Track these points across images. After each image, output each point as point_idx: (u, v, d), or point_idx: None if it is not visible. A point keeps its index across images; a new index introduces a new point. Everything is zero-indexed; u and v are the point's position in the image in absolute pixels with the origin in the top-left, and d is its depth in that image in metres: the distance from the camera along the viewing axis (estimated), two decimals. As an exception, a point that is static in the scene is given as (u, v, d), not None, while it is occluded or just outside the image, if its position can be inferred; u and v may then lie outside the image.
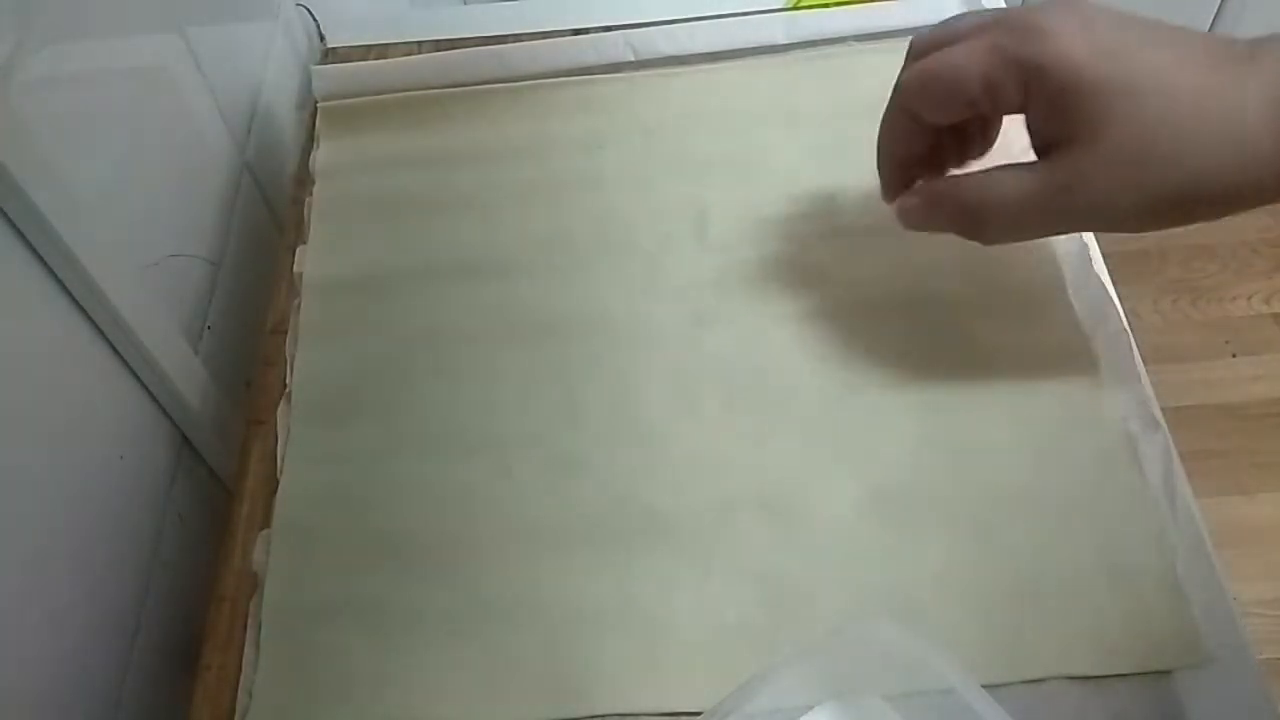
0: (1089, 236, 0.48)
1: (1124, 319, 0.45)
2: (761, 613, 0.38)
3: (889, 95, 0.42)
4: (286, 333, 0.48)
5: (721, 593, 0.39)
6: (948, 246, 0.47)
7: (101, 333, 0.41)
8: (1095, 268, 0.47)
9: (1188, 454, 0.41)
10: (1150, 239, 1.33)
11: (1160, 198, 0.35)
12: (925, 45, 0.40)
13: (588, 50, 0.58)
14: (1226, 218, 0.35)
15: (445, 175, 0.54)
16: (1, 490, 0.35)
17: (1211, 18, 1.22)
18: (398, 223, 0.52)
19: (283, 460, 0.44)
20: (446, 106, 0.57)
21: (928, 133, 0.41)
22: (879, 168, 0.43)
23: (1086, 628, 0.37)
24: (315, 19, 0.63)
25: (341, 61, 0.60)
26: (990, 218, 0.38)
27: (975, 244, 0.47)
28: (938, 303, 0.46)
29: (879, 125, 0.42)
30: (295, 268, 0.51)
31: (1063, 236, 0.48)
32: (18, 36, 0.37)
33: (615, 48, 0.57)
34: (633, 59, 0.57)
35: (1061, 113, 0.35)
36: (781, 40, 0.57)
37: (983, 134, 0.43)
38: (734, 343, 0.46)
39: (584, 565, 0.40)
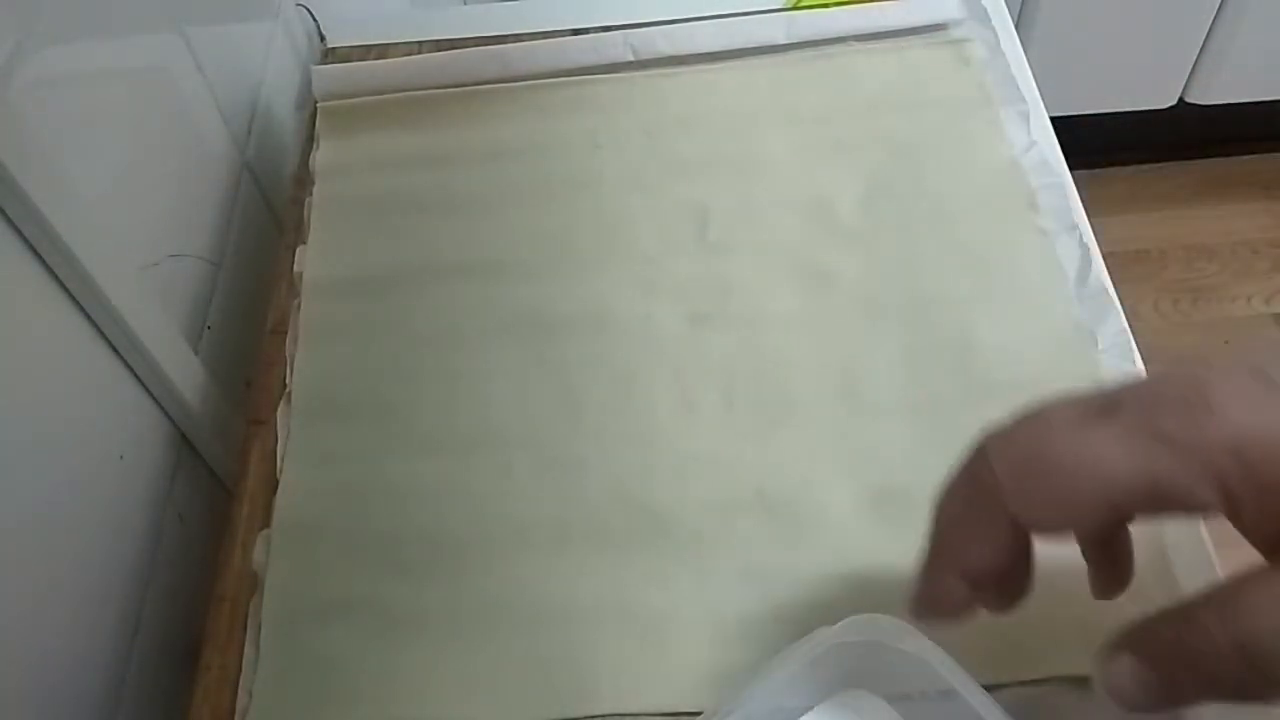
0: (1088, 236, 0.48)
1: (1124, 319, 0.45)
2: (761, 612, 0.38)
3: (888, 95, 0.39)
4: (286, 333, 0.48)
5: (721, 593, 0.39)
6: (948, 246, 0.48)
7: (101, 333, 0.41)
8: (1096, 268, 0.47)
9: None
10: (1150, 239, 1.33)
11: None
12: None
13: (588, 50, 0.58)
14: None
15: (445, 175, 0.54)
16: (1, 490, 0.35)
17: (1211, 18, 1.22)
18: (398, 223, 0.52)
19: (283, 460, 0.44)
20: (446, 106, 0.57)
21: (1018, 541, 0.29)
22: (931, 567, 0.31)
23: (1086, 628, 0.37)
24: (315, 19, 0.63)
25: (341, 61, 0.60)
26: (1273, 651, 0.24)
27: (977, 243, 0.48)
28: (938, 303, 0.46)
29: (940, 504, 0.30)
30: (295, 268, 0.51)
31: (1062, 238, 0.48)
32: (18, 36, 0.37)
33: (615, 48, 0.57)
34: (633, 59, 0.57)
35: None
36: (781, 40, 0.57)
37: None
38: (734, 343, 0.46)
39: (584, 565, 0.40)
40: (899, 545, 0.39)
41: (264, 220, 0.60)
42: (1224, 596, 0.25)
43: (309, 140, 0.57)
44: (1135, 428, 0.25)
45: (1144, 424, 0.25)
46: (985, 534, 0.28)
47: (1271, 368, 0.26)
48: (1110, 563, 0.31)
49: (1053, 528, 0.28)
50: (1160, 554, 0.38)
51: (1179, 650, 0.25)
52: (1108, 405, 0.26)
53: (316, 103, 0.57)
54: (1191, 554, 0.38)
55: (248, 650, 0.39)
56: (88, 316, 0.40)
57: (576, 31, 0.59)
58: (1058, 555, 0.38)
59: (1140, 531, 0.39)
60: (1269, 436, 0.24)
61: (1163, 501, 0.25)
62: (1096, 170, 1.40)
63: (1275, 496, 0.24)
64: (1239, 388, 0.25)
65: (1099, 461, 0.25)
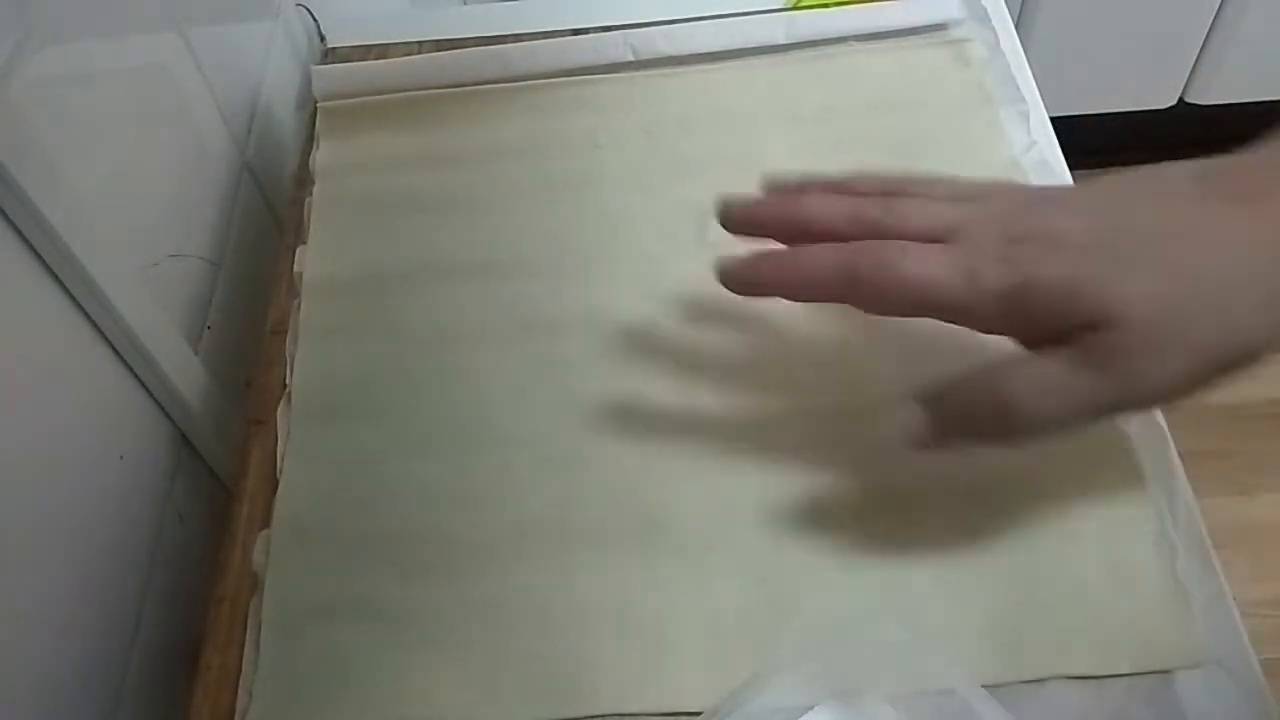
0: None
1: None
2: (761, 613, 0.38)
3: (888, 95, 0.41)
4: (286, 333, 0.48)
5: (721, 593, 0.39)
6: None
7: (101, 333, 0.41)
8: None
9: (1188, 454, 0.41)
10: (1150, 239, 1.33)
11: (1192, 374, 0.31)
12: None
13: (588, 50, 0.58)
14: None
15: (445, 175, 0.54)
16: (1, 490, 0.35)
17: (1211, 18, 1.22)
18: (398, 223, 0.52)
19: (283, 460, 0.44)
20: (447, 106, 0.57)
21: None
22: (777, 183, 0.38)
23: (1086, 628, 0.37)
24: (315, 19, 0.63)
25: (341, 61, 0.60)
26: (1031, 413, 0.32)
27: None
28: (938, 303, 0.46)
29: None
30: (295, 268, 0.51)
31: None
32: (18, 36, 0.37)
33: (615, 48, 0.57)
34: (633, 59, 0.57)
35: (1073, 330, 0.32)
36: (781, 40, 0.57)
37: None
38: (734, 343, 0.46)
39: (584, 565, 0.40)
40: (899, 546, 0.39)
41: (264, 220, 0.60)
42: (993, 369, 0.33)
43: (309, 140, 0.57)
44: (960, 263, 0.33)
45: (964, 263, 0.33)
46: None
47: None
48: None
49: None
50: (1160, 552, 0.38)
51: (957, 405, 0.34)
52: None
53: (316, 103, 0.57)
54: (1191, 552, 0.38)
55: (248, 650, 0.39)
56: (88, 316, 0.40)
57: (576, 31, 0.59)
58: (1057, 555, 0.39)
59: (1140, 531, 0.39)
60: (1055, 295, 0.32)
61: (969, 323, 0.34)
62: (1096, 170, 1.40)
63: (1041, 321, 0.32)
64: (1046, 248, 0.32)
65: (929, 284, 0.34)
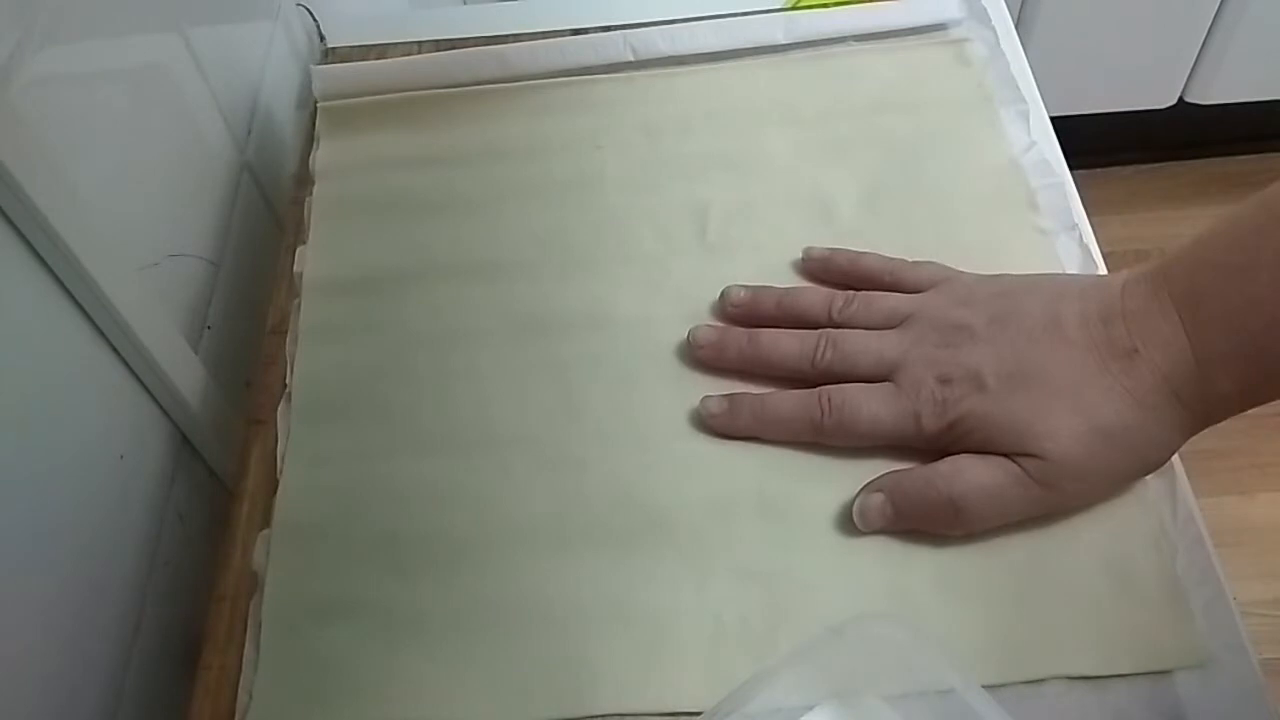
0: (1088, 236, 0.48)
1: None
2: (761, 613, 0.38)
3: (888, 95, 0.42)
4: (286, 333, 0.48)
5: (721, 593, 0.39)
6: (948, 246, 0.48)
7: (101, 333, 0.41)
8: (1096, 268, 0.47)
9: (1188, 454, 0.41)
10: (1150, 239, 1.33)
11: (1118, 482, 0.39)
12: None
13: (588, 50, 0.58)
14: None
15: (445, 175, 0.54)
16: (1, 490, 0.35)
17: (1211, 18, 1.22)
18: (398, 223, 0.52)
19: (283, 460, 0.44)
20: (446, 106, 0.57)
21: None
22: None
23: (1086, 628, 0.37)
24: (315, 19, 0.63)
25: (341, 61, 0.60)
26: (975, 511, 0.38)
27: (978, 243, 0.48)
28: (938, 303, 0.46)
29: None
30: (295, 268, 0.51)
31: (1062, 238, 0.48)
32: (18, 36, 0.37)
33: (615, 48, 0.57)
34: (633, 59, 0.57)
35: (999, 445, 0.38)
36: (781, 40, 0.57)
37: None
38: (734, 343, 0.46)
39: (583, 565, 0.40)
40: (899, 545, 0.39)
41: (264, 220, 0.60)
42: (945, 473, 0.39)
43: (309, 140, 0.57)
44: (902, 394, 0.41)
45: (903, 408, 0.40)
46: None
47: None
48: None
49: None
50: (1160, 552, 0.38)
51: (913, 497, 0.39)
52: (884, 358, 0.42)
53: (316, 103, 0.57)
54: (1191, 552, 0.38)
55: (248, 650, 0.39)
56: (88, 316, 0.40)
57: (576, 31, 0.59)
58: (1057, 555, 0.39)
59: (1140, 531, 0.39)
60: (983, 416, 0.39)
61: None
62: (1096, 170, 1.40)
63: (976, 446, 0.39)
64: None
65: (874, 421, 0.41)
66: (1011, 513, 0.38)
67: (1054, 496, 0.38)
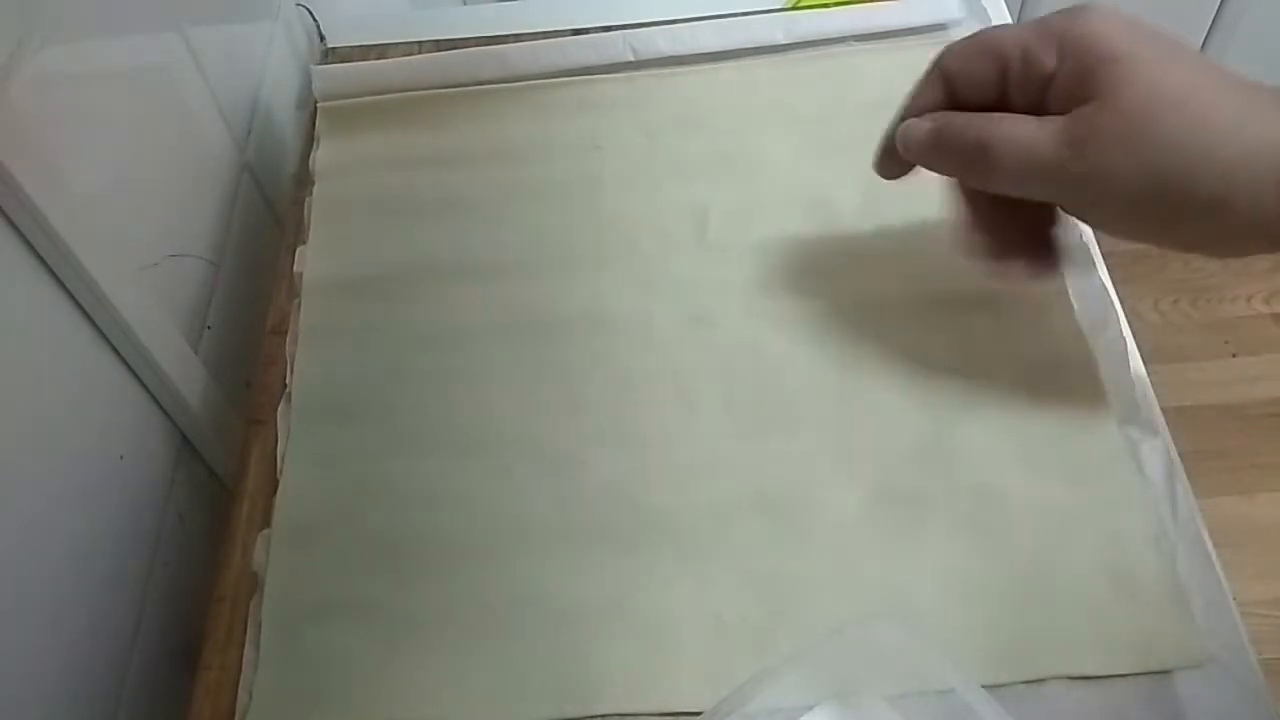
0: (1089, 236, 0.48)
1: (1124, 320, 0.45)
2: (761, 613, 0.38)
3: (888, 95, 0.42)
4: (286, 333, 0.48)
5: (721, 593, 0.39)
6: (948, 246, 0.48)
7: (101, 333, 0.41)
8: (1096, 268, 0.47)
9: (1188, 454, 0.41)
10: (1150, 239, 1.33)
11: (1153, 177, 0.34)
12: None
13: (588, 50, 0.58)
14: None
15: (445, 175, 0.54)
16: (1, 490, 0.35)
17: (1211, 17, 1.22)
18: (398, 223, 0.52)
19: (283, 460, 0.44)
20: (446, 106, 0.57)
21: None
22: (891, 127, 0.42)
23: (1086, 628, 0.37)
24: (315, 19, 0.63)
25: (341, 61, 0.60)
26: (1000, 159, 0.37)
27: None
28: (938, 303, 0.46)
29: (908, 97, 0.41)
30: (295, 268, 0.51)
31: (1060, 236, 0.48)
32: (19, 36, 0.37)
33: (615, 48, 0.57)
34: (633, 59, 0.57)
35: (1088, 73, 0.35)
36: (781, 40, 0.57)
37: None
38: (734, 343, 0.46)
39: (584, 565, 0.40)
40: (899, 545, 0.39)
41: (264, 220, 0.60)
42: (988, 116, 0.37)
43: (309, 140, 0.57)
44: (1026, 24, 0.38)
45: (1031, 22, 0.38)
46: (927, 100, 0.41)
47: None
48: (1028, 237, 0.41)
49: (971, 84, 0.39)
50: (1160, 552, 0.38)
51: (955, 131, 0.38)
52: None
53: (317, 103, 0.57)
54: (1191, 552, 0.38)
55: (248, 650, 0.39)
56: (88, 316, 0.40)
57: (576, 31, 0.59)
58: (1057, 555, 0.39)
59: (1140, 531, 0.39)
60: (1102, 29, 0.35)
61: (1025, 59, 0.37)
62: (1096, 170, 1.40)
63: (1085, 69, 0.35)
64: (1107, 12, 0.36)
65: (997, 34, 0.38)
66: (1034, 175, 0.37)
67: (1080, 167, 0.35)
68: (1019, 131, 0.36)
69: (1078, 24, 0.36)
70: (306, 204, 0.53)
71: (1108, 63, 0.35)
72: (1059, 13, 0.37)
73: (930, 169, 0.40)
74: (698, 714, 0.34)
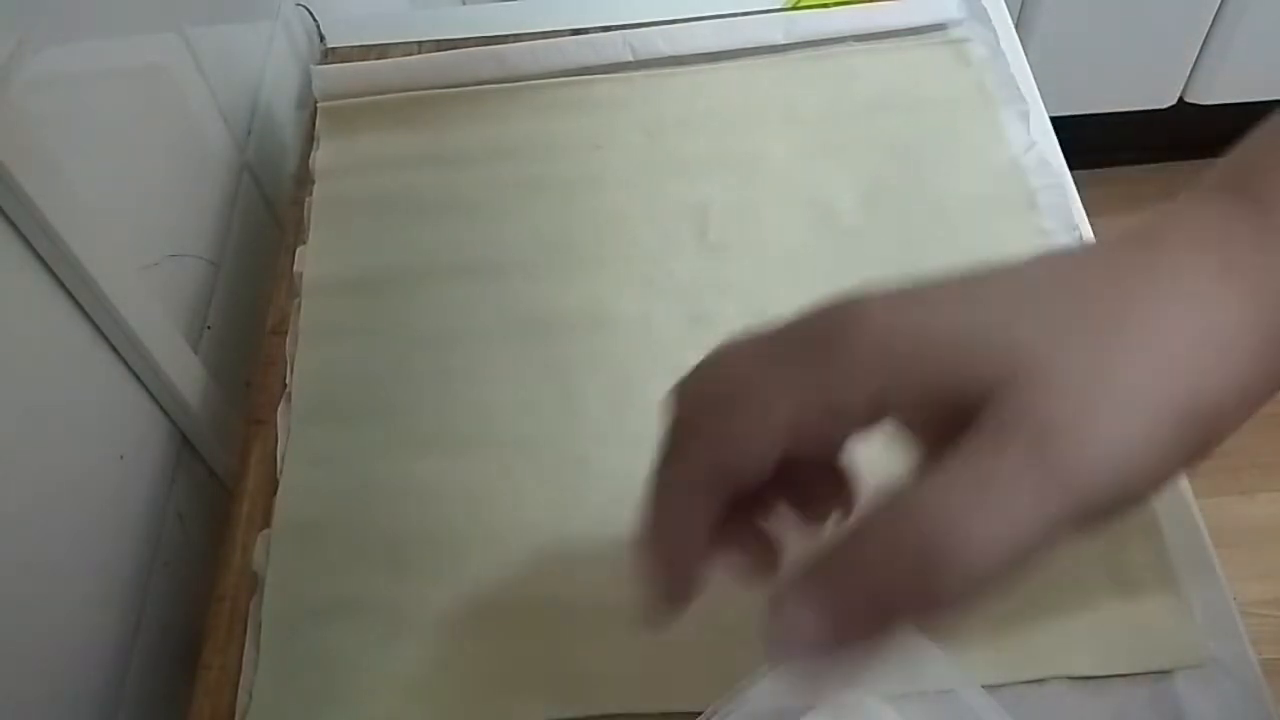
0: (1089, 236, 0.48)
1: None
2: (761, 613, 0.38)
3: (888, 95, 0.40)
4: (286, 333, 0.48)
5: (721, 593, 0.39)
6: (948, 246, 0.48)
7: (101, 333, 0.41)
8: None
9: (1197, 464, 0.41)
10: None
11: (1171, 409, 0.23)
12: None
13: (587, 50, 0.58)
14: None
15: (445, 175, 0.54)
16: (1, 490, 0.35)
17: (1211, 18, 1.22)
18: (398, 223, 0.52)
19: (283, 460, 0.44)
20: (446, 106, 0.57)
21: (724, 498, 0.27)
22: (647, 556, 0.28)
23: (1086, 628, 0.37)
24: (315, 19, 0.63)
25: (341, 61, 0.60)
26: (957, 549, 0.22)
27: (977, 244, 0.48)
28: (938, 303, 0.46)
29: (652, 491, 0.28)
30: (295, 268, 0.51)
31: (1063, 238, 0.48)
32: (18, 36, 0.37)
33: (615, 48, 0.57)
34: (632, 59, 0.57)
35: (954, 374, 0.24)
36: (781, 40, 0.57)
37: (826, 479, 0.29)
38: (734, 343, 0.46)
39: (583, 565, 0.40)
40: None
41: (264, 220, 0.60)
42: (892, 503, 0.23)
43: (309, 140, 0.57)
44: (791, 359, 0.26)
45: (799, 353, 0.26)
46: (698, 503, 0.27)
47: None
48: (816, 496, 0.29)
49: (739, 462, 0.26)
50: (1160, 552, 0.38)
51: (855, 573, 0.23)
52: (775, 339, 0.27)
53: (316, 103, 0.57)
54: (1191, 552, 0.38)
55: (248, 650, 0.39)
56: (88, 316, 0.40)
57: (576, 31, 0.59)
58: (1057, 555, 0.38)
59: (1140, 531, 0.39)
60: (913, 331, 0.25)
61: (830, 419, 0.25)
62: (1096, 170, 1.40)
63: (927, 389, 0.24)
64: (882, 298, 0.26)
65: (766, 394, 0.25)
66: (1024, 534, 0.23)
67: (1069, 469, 0.23)
68: (957, 487, 0.22)
69: (877, 347, 0.25)
70: (306, 204, 0.53)
71: (993, 397, 0.23)
72: (828, 326, 0.26)
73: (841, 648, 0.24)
74: (697, 714, 0.34)
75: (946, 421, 0.23)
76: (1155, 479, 0.24)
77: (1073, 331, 0.23)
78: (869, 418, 0.25)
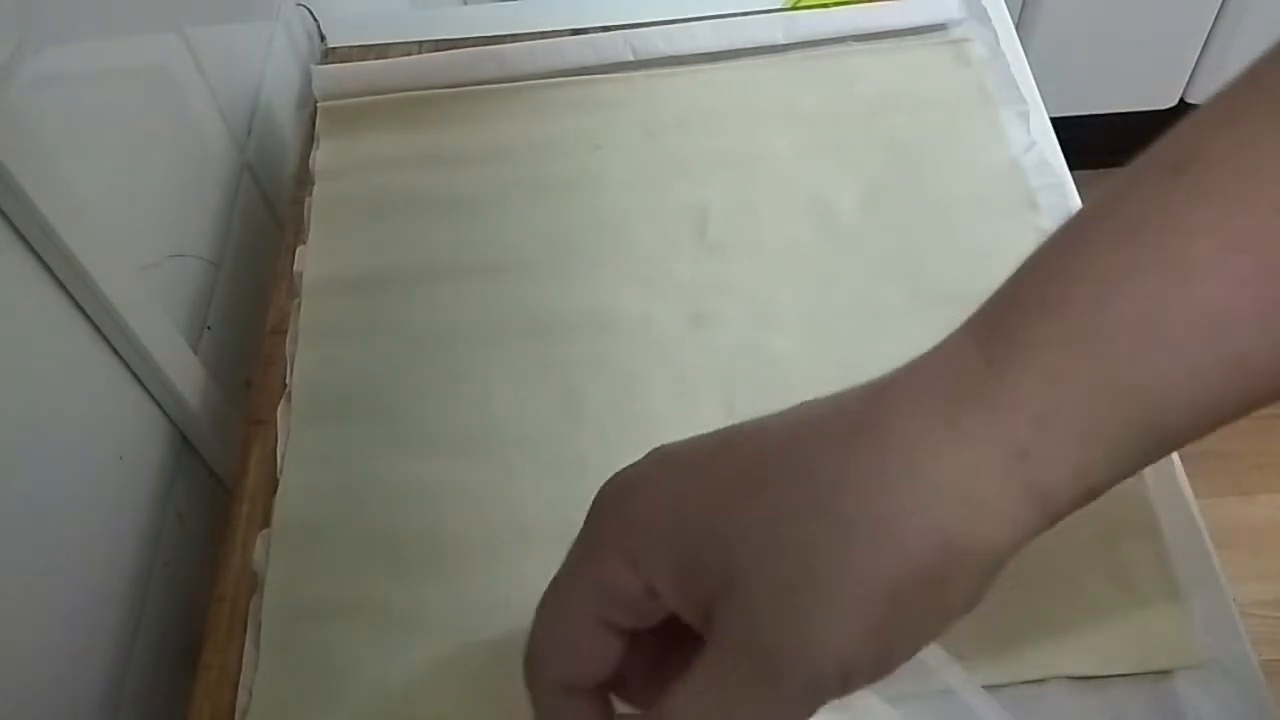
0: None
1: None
2: None
3: (888, 95, 0.40)
4: (286, 333, 0.48)
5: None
6: (948, 247, 0.48)
7: (101, 333, 0.41)
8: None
9: (1188, 454, 0.41)
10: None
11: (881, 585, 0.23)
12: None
13: (587, 50, 0.58)
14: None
15: (445, 175, 0.54)
16: (2, 490, 0.35)
17: (1212, 18, 1.22)
18: (398, 223, 0.52)
19: (283, 460, 0.44)
20: (446, 106, 0.57)
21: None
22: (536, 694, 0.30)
23: (1086, 628, 0.37)
24: (315, 19, 0.63)
25: (341, 61, 0.60)
26: None
27: (977, 244, 0.48)
28: (938, 303, 0.46)
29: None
30: (295, 268, 0.51)
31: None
32: (18, 36, 0.37)
33: (615, 48, 0.57)
34: (632, 59, 0.57)
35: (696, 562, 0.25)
36: (781, 40, 0.57)
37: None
38: (734, 343, 0.46)
39: (584, 565, 0.40)
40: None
41: (264, 220, 0.60)
42: (655, 715, 0.25)
43: (309, 140, 0.57)
44: (568, 573, 0.28)
45: (575, 565, 0.28)
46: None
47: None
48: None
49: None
50: (1160, 552, 0.38)
51: None
52: (565, 565, 0.29)
53: (317, 103, 0.57)
54: (1191, 552, 0.38)
55: (248, 650, 0.39)
56: (88, 316, 0.40)
57: (576, 31, 0.59)
58: (1057, 555, 0.38)
59: (1140, 531, 0.39)
60: (657, 523, 0.25)
61: (619, 614, 0.27)
62: (1096, 170, 1.40)
63: (686, 576, 0.25)
64: (635, 484, 0.27)
65: (558, 619, 0.28)
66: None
67: (789, 669, 0.24)
68: (688, 702, 0.24)
69: (625, 540, 0.26)
70: (306, 204, 0.53)
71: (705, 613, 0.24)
72: (589, 530, 0.28)
73: None
74: (698, 714, 0.34)
75: (697, 610, 0.24)
76: (881, 660, 0.24)
77: (771, 536, 0.23)
78: (653, 601, 0.26)
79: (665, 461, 0.28)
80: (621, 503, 0.27)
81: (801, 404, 0.27)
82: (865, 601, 0.23)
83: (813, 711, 0.24)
